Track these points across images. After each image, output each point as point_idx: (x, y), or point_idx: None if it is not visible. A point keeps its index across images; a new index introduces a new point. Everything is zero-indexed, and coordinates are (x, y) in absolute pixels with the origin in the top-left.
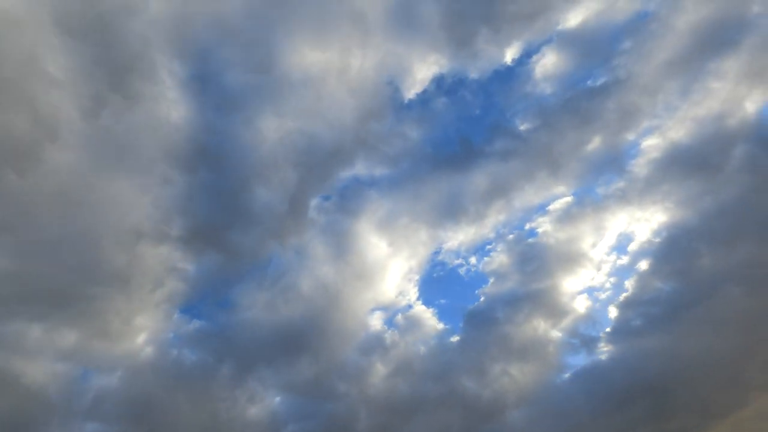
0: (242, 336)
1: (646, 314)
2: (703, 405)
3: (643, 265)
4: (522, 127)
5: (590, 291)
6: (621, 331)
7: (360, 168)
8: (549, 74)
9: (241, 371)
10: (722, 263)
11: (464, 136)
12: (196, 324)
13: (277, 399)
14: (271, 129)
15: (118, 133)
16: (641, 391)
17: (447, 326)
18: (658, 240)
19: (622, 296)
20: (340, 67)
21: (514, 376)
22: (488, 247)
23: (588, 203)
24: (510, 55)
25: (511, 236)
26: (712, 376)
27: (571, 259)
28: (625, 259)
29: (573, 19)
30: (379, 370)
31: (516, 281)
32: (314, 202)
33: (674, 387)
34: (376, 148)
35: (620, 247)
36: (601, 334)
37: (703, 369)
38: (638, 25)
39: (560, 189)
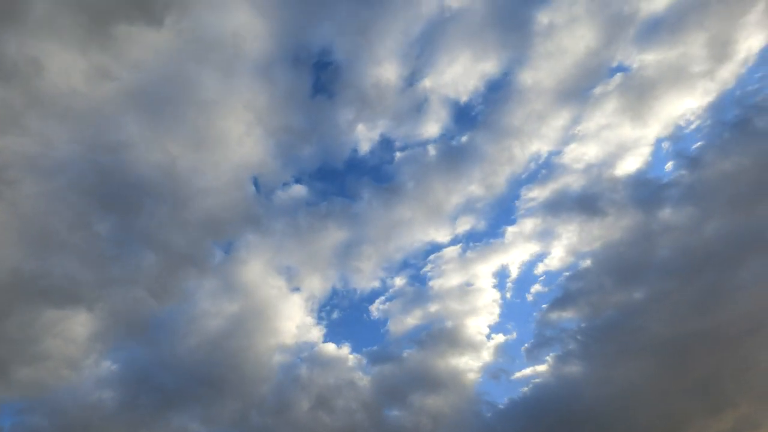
0: (161, 377)
1: (557, 349)
2: None
3: (546, 301)
4: (398, 182)
5: (496, 329)
6: (534, 366)
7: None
8: (414, 141)
9: (165, 409)
10: (625, 297)
11: (339, 195)
12: (110, 366)
13: None
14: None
15: None
16: (574, 422)
17: (358, 363)
18: (560, 279)
19: (531, 331)
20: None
21: (435, 409)
22: (387, 291)
23: (478, 247)
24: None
25: (407, 278)
26: (643, 406)
27: (469, 299)
28: (528, 297)
29: (432, 84)
30: (302, 405)
31: (417, 321)
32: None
33: (605, 419)
34: (252, 221)
35: (521, 286)
36: (520, 371)
37: (632, 399)
38: (503, 83)
39: (447, 234)
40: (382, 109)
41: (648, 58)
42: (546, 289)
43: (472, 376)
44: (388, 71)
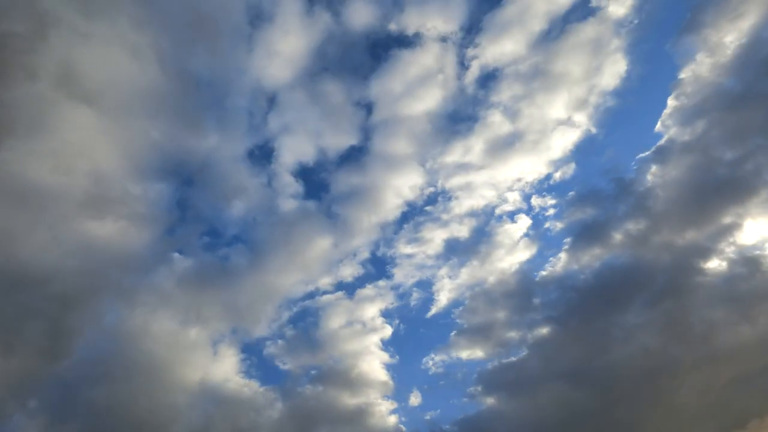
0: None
1: (459, 386)
2: None
3: (439, 342)
4: (265, 243)
5: (393, 369)
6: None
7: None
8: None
9: None
10: (519, 335)
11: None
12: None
13: None
14: None
15: None
16: None
17: (266, 399)
18: (448, 319)
19: (428, 371)
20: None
21: None
22: (276, 334)
23: (361, 292)
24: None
25: (293, 322)
26: None
27: (358, 340)
28: (419, 339)
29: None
30: None
31: (311, 361)
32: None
33: None
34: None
35: (411, 328)
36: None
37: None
38: (353, 151)
39: (328, 283)
40: (241, 192)
41: (498, 112)
42: (434, 332)
43: (383, 412)
44: (240, 166)
